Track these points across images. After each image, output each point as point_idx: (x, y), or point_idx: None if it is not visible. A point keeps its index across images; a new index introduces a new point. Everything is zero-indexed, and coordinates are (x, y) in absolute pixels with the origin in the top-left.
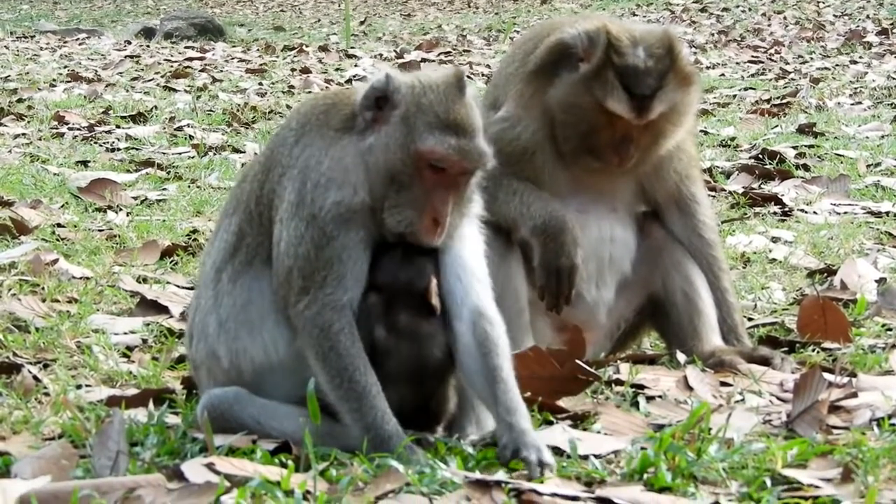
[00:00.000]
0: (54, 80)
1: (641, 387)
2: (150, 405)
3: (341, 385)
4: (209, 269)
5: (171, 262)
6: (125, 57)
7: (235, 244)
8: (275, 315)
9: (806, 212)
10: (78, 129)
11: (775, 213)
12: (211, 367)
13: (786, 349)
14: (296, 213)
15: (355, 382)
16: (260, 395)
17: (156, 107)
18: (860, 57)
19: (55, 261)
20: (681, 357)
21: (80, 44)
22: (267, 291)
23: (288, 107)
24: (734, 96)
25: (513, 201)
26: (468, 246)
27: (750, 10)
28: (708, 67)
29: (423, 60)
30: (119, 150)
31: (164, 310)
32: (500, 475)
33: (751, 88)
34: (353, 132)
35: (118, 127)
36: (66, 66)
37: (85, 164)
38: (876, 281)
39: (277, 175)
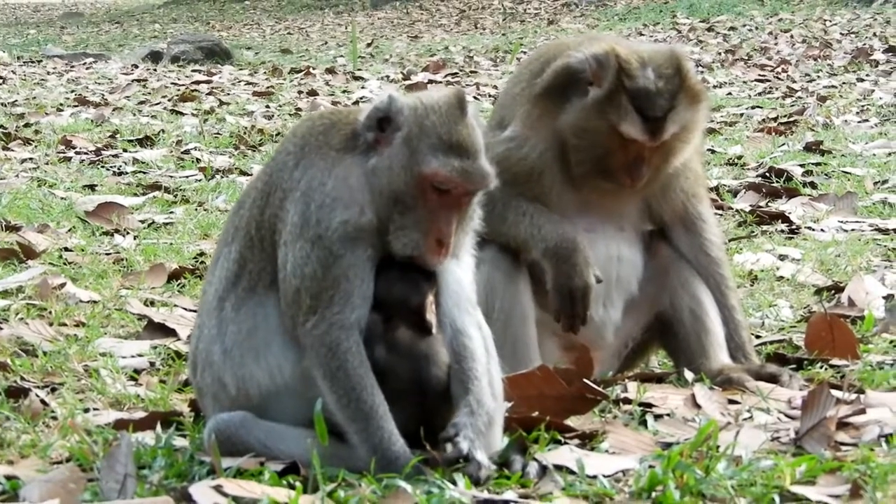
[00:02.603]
0: (61, 104)
1: (649, 405)
2: (158, 428)
3: (348, 405)
4: (211, 298)
5: (178, 285)
6: (132, 81)
7: (237, 272)
8: (279, 339)
9: (813, 229)
10: (85, 154)
11: (783, 231)
12: (217, 394)
13: (794, 366)
14: (301, 234)
15: (363, 402)
16: (267, 419)
17: (163, 130)
18: (867, 75)
19: (62, 285)
20: (688, 375)
21: (86, 68)
22: (271, 316)
23: None
24: (741, 115)
25: (523, 223)
26: (461, 262)
27: (756, 28)
28: (715, 86)
29: (430, 82)
30: (126, 173)
31: (171, 333)
32: (509, 495)
33: (758, 107)
34: (356, 152)
35: (125, 151)
36: (73, 91)
37: (92, 188)
38: (883, 297)
39: (278, 199)
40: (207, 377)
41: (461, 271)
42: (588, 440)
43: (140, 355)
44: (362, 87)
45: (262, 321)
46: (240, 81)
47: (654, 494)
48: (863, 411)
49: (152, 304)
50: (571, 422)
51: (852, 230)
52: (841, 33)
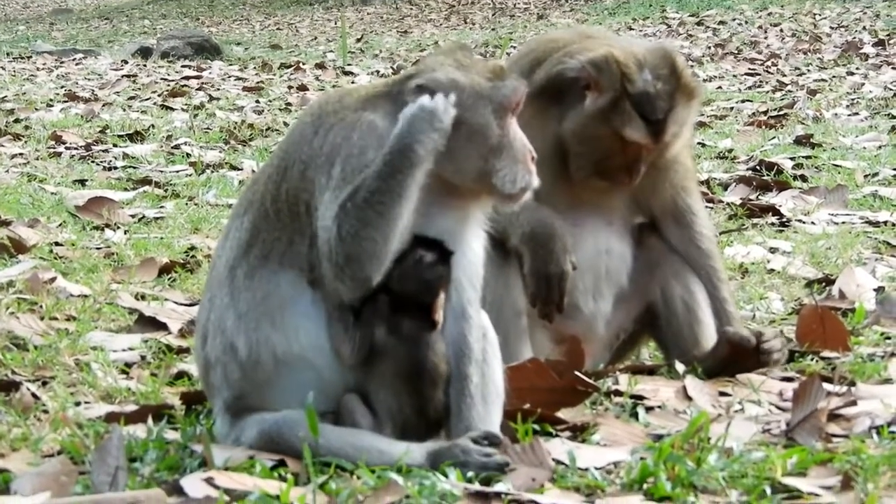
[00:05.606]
0: (51, 100)
1: (640, 397)
2: (149, 421)
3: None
4: (222, 269)
5: (168, 279)
6: (122, 76)
7: (249, 241)
8: (292, 307)
9: (804, 222)
10: (75, 149)
11: (773, 224)
12: (227, 363)
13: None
14: (332, 186)
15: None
16: (276, 390)
17: (153, 125)
18: (857, 68)
19: (53, 279)
20: (680, 367)
21: (76, 64)
22: (284, 284)
23: (285, 124)
24: (731, 108)
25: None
26: (473, 248)
27: (746, 22)
28: (705, 80)
29: None
30: (116, 168)
31: (162, 326)
32: (500, 486)
33: (748, 101)
34: (375, 110)
35: (115, 146)
36: (62, 86)
37: (82, 182)
38: (874, 290)
39: (298, 171)
40: (218, 344)
41: (472, 255)
42: (579, 432)
43: (131, 349)
44: (352, 83)
45: (274, 288)
46: (229, 77)
47: (645, 486)
48: (854, 403)
49: (143, 298)
50: (562, 414)
51: (843, 223)
52: (831, 27)
